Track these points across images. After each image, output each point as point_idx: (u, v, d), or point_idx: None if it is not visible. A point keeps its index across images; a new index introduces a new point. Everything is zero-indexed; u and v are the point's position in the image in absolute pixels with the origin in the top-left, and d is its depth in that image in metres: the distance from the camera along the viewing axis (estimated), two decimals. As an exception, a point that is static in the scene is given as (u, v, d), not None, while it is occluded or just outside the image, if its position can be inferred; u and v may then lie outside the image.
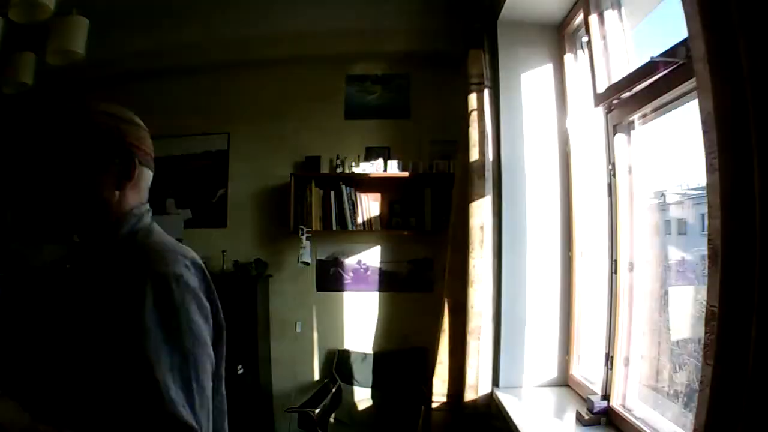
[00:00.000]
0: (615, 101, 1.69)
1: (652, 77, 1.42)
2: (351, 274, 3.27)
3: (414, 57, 3.28)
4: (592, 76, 1.83)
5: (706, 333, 0.97)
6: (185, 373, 0.73)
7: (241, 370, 2.93)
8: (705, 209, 0.99)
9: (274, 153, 3.29)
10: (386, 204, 3.20)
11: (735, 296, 0.92)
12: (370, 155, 3.21)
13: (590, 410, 1.71)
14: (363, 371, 3.14)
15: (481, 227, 2.20)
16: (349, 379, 3.13)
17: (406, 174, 3.07)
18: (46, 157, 0.83)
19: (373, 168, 3.09)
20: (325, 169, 3.22)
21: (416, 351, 3.06)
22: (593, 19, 1.83)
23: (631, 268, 1.70)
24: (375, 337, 3.24)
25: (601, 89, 1.78)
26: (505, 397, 2.07)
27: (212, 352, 0.81)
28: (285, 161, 3.26)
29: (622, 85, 1.62)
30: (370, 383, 3.13)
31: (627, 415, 1.61)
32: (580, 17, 2.02)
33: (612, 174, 1.74)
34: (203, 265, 0.89)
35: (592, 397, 1.75)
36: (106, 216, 0.86)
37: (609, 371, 1.73)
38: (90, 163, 0.84)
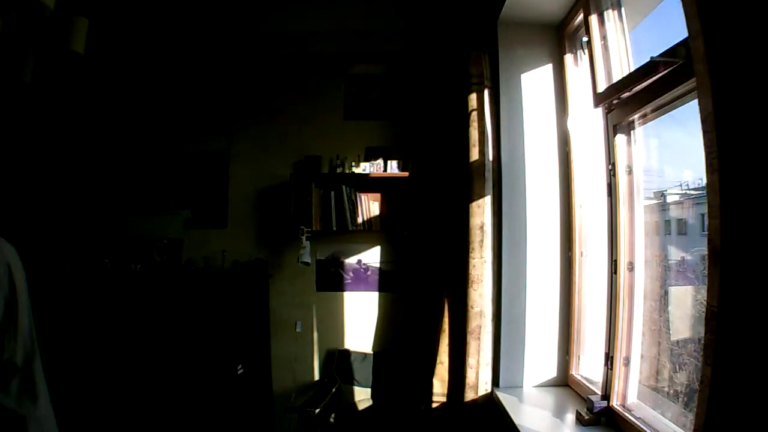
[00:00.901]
0: (615, 101, 1.69)
1: (652, 77, 1.42)
2: (351, 274, 3.27)
3: (414, 57, 3.28)
4: (592, 76, 1.83)
5: (706, 333, 0.97)
6: None
7: (241, 370, 2.93)
8: (705, 209, 0.99)
9: (274, 153, 3.29)
10: (386, 204, 3.20)
11: (735, 296, 0.92)
12: (370, 155, 3.21)
13: (590, 410, 1.71)
14: (363, 371, 3.14)
15: (481, 227, 2.20)
16: (349, 379, 3.13)
17: (406, 174, 3.07)
18: None
19: (373, 168, 3.09)
20: (325, 169, 3.22)
21: (416, 351, 3.06)
22: (593, 19, 1.84)
23: (631, 268, 1.70)
24: (375, 337, 3.24)
25: (601, 89, 1.78)
26: (505, 397, 2.07)
27: None
28: (285, 161, 3.27)
29: (622, 85, 1.62)
30: (370, 383, 3.13)
31: (627, 414, 1.62)
32: (580, 17, 2.03)
33: (612, 174, 1.74)
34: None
35: (592, 397, 1.75)
36: None
37: (609, 371, 1.73)
38: None
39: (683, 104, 1.42)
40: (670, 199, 1.80)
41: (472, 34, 2.35)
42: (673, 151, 1.83)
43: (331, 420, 2.87)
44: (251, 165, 3.30)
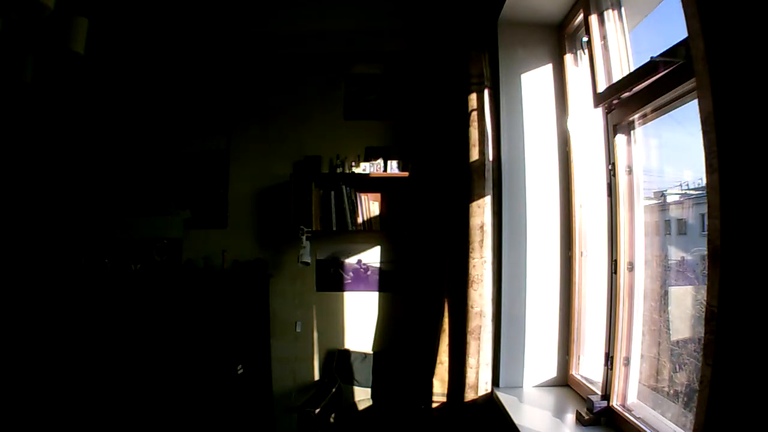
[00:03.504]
0: (615, 101, 1.69)
1: (652, 77, 1.42)
2: (351, 274, 3.27)
3: (414, 57, 3.28)
4: (592, 76, 1.83)
5: (706, 333, 0.97)
6: None
7: (241, 370, 2.93)
8: (705, 209, 0.99)
9: (274, 153, 3.29)
10: (386, 204, 3.20)
11: (735, 296, 0.92)
12: (370, 155, 3.21)
13: (590, 410, 1.71)
14: (363, 371, 3.14)
15: (481, 227, 2.20)
16: (349, 379, 3.13)
17: (406, 174, 3.08)
18: None
19: (373, 168, 3.09)
20: (325, 169, 3.22)
21: (416, 351, 3.06)
22: (593, 19, 1.84)
23: (631, 268, 1.70)
24: (375, 337, 3.24)
25: (601, 89, 1.78)
26: (505, 397, 2.07)
27: None
28: (285, 161, 3.27)
29: (622, 85, 1.62)
30: (370, 383, 3.13)
31: (627, 414, 1.62)
32: (580, 17, 2.03)
33: (612, 174, 1.74)
34: None
35: (592, 397, 1.75)
36: None
37: (609, 371, 1.73)
38: None
39: (683, 104, 1.42)
40: (670, 199, 1.80)
41: (472, 34, 2.35)
42: (673, 151, 1.83)
43: (331, 420, 2.87)
44: (251, 165, 3.30)
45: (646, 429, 1.50)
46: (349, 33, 3.24)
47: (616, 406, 1.69)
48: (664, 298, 1.72)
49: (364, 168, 3.10)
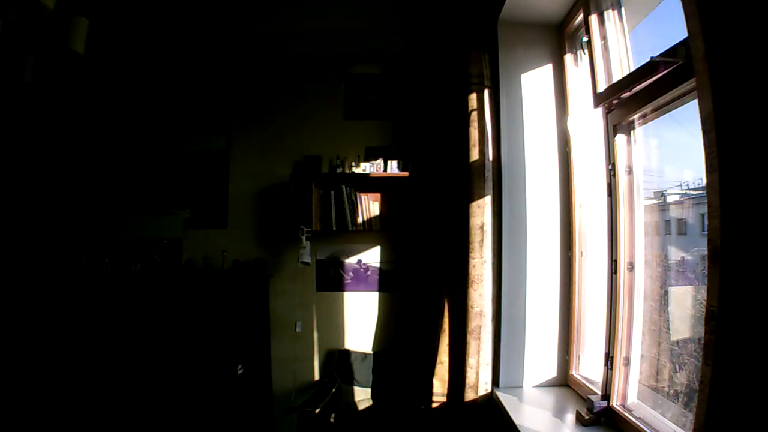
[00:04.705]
0: (615, 101, 1.69)
1: (652, 77, 1.42)
2: (351, 274, 3.27)
3: (414, 57, 3.28)
4: (592, 76, 1.83)
5: (706, 333, 0.97)
6: None
7: (241, 370, 2.93)
8: (705, 209, 0.99)
9: (274, 153, 3.29)
10: (386, 204, 3.20)
11: (735, 296, 0.92)
12: (370, 155, 3.22)
13: (590, 410, 1.72)
14: (363, 371, 3.14)
15: (481, 227, 2.20)
16: (349, 379, 3.13)
17: (406, 174, 3.08)
18: None
19: (373, 168, 3.09)
20: (325, 169, 3.22)
21: (416, 351, 3.06)
22: (593, 19, 1.84)
23: (631, 268, 1.70)
24: (375, 337, 3.24)
25: (601, 89, 1.78)
26: (505, 397, 2.07)
27: None
28: (285, 161, 3.27)
29: (622, 85, 1.62)
30: (370, 383, 3.13)
31: (627, 414, 1.62)
32: (580, 17, 2.03)
33: (612, 174, 1.74)
34: None
35: (592, 397, 1.75)
36: None
37: (609, 371, 1.73)
38: None
39: (683, 104, 1.42)
40: (670, 199, 1.80)
41: (472, 34, 2.35)
42: (673, 151, 1.83)
43: (331, 420, 2.86)
44: (251, 165, 3.30)
45: (646, 429, 1.50)
46: (349, 33, 3.24)
47: (616, 406, 1.69)
48: (664, 298, 1.72)
49: (364, 168, 3.10)
